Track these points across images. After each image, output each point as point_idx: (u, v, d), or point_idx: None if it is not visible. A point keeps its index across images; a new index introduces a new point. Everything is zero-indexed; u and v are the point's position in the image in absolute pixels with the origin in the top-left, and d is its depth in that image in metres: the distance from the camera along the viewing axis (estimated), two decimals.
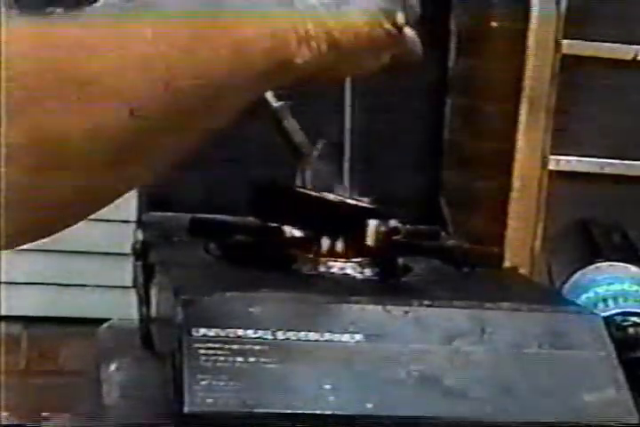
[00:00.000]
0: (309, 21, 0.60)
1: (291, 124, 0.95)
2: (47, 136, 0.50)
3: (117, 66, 0.52)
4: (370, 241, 0.92)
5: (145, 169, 0.58)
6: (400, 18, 0.67)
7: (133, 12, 0.55)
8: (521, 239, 1.73)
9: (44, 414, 2.03)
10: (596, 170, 1.78)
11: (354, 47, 0.64)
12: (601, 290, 1.14)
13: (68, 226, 0.56)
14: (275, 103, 0.93)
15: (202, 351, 0.75)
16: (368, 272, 0.92)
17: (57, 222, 0.56)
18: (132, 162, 0.56)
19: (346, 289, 0.87)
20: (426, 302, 0.82)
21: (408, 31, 0.70)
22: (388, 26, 0.66)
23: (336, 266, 0.93)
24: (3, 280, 2.00)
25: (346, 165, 1.00)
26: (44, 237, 0.56)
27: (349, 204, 0.95)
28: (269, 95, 0.93)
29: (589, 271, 1.21)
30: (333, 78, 0.74)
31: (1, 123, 0.49)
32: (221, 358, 0.75)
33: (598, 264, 1.23)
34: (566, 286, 1.21)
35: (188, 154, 0.59)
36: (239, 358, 0.75)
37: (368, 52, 0.68)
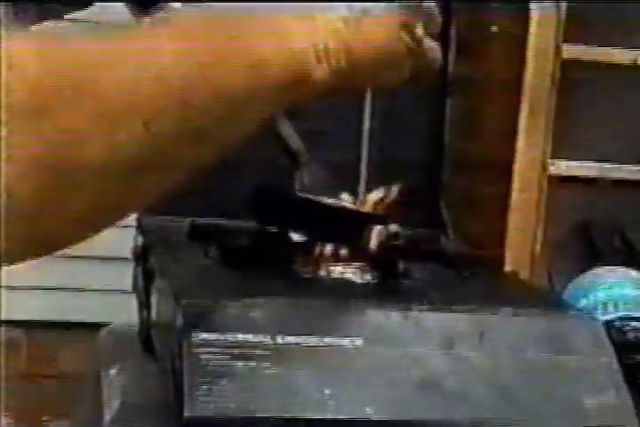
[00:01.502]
0: (329, 37, 0.60)
1: (286, 129, 0.95)
2: (62, 153, 0.50)
3: (134, 81, 0.52)
4: (370, 245, 0.92)
5: (159, 184, 0.58)
6: (419, 31, 0.67)
7: (152, 27, 0.55)
8: (521, 243, 1.73)
9: (44, 418, 2.02)
10: (596, 174, 1.78)
11: (373, 62, 0.64)
12: (601, 294, 1.14)
13: (82, 240, 0.56)
14: None
15: (202, 356, 0.75)
16: (368, 276, 0.92)
17: (71, 237, 0.55)
18: (147, 177, 0.55)
19: (346, 293, 0.87)
20: (426, 307, 0.83)
21: (428, 42, 0.70)
22: (407, 39, 0.66)
23: (336, 270, 0.93)
24: (3, 285, 2.00)
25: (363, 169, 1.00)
26: (57, 251, 0.55)
27: (349, 209, 0.95)
28: None
29: (589, 275, 1.21)
30: (352, 92, 0.73)
31: (1, 124, 0.49)
32: (221, 363, 0.75)
33: (598, 268, 1.23)
34: (566, 290, 1.21)
35: (204, 167, 0.59)
36: (239, 363, 0.75)
37: (388, 66, 0.67)
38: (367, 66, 0.63)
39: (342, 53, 0.61)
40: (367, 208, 0.95)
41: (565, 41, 1.73)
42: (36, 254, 0.54)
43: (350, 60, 0.61)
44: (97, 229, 0.56)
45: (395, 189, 0.95)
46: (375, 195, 0.96)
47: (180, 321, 0.77)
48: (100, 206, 0.54)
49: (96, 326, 1.25)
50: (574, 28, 1.73)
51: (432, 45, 0.71)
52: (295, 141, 0.96)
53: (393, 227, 0.93)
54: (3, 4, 0.63)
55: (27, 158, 0.48)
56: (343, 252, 0.94)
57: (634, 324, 1.06)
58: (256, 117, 0.60)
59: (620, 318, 1.08)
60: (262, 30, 0.58)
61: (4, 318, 1.99)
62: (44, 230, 0.52)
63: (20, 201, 0.49)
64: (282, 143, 0.96)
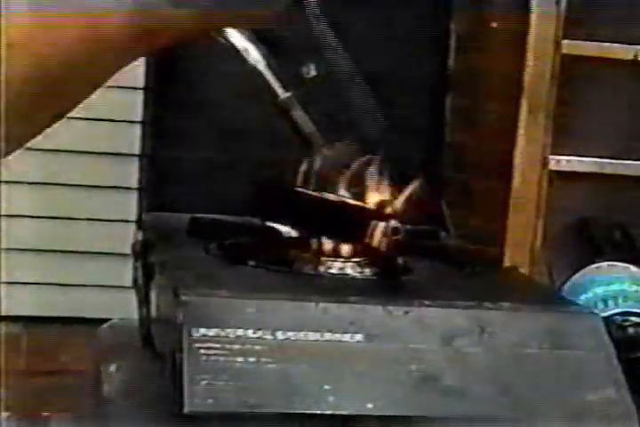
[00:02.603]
0: None
1: (299, 114, 0.95)
2: None
3: None
4: (370, 241, 0.92)
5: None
6: None
7: None
8: (521, 239, 1.73)
9: (44, 413, 2.03)
10: (596, 170, 1.78)
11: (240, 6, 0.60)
12: (601, 290, 1.14)
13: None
14: (282, 94, 0.93)
15: (202, 351, 0.75)
16: (368, 272, 0.92)
17: None
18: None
19: (346, 289, 0.87)
20: (426, 302, 0.83)
21: None
22: None
23: (336, 266, 0.93)
24: (3, 280, 2.00)
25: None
26: None
27: (349, 204, 0.95)
28: (277, 86, 0.92)
29: (589, 271, 1.21)
30: (222, 27, 0.71)
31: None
32: (221, 358, 0.75)
33: (598, 264, 1.23)
34: (566, 285, 1.21)
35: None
36: (239, 358, 0.75)
37: (256, 7, 0.62)
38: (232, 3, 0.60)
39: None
40: (398, 204, 0.94)
41: (565, 37, 1.73)
42: None
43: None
44: None
45: (416, 185, 0.94)
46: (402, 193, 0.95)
47: (179, 317, 0.77)
48: None
49: (96, 322, 1.25)
50: (574, 23, 1.73)
51: None
52: (309, 126, 0.96)
53: (393, 223, 0.93)
54: None
55: None
56: (343, 247, 0.94)
57: (634, 319, 1.06)
58: (102, 76, 0.59)
59: (620, 314, 1.08)
60: None
61: (3, 313, 1.99)
62: None
63: None
64: (295, 129, 0.96)
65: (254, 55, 0.90)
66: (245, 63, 0.90)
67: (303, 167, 0.97)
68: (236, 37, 0.87)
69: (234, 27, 0.78)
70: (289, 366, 0.76)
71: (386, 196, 0.95)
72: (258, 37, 0.89)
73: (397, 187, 0.96)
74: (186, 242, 1.04)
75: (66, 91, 0.57)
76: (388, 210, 0.93)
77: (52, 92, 0.55)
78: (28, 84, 0.54)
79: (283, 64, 0.91)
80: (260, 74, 0.90)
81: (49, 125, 0.58)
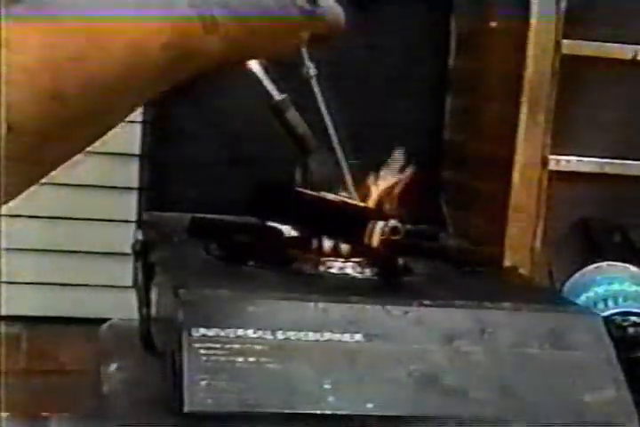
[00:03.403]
0: (215, 7, 0.57)
1: (293, 116, 0.95)
2: None
3: None
4: (370, 241, 0.92)
5: (28, 182, 0.56)
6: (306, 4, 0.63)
7: (19, 18, 0.51)
8: (521, 239, 1.73)
9: (44, 413, 2.03)
10: (596, 170, 1.78)
11: (266, 29, 0.61)
12: (601, 290, 1.14)
13: None
14: (277, 96, 0.93)
15: (202, 351, 0.75)
16: (368, 272, 0.92)
17: None
18: (15, 173, 0.54)
19: (346, 289, 0.88)
20: (426, 302, 0.83)
21: (328, 4, 0.66)
22: (301, 3, 0.62)
23: (336, 266, 0.93)
24: (3, 280, 2.00)
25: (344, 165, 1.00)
26: None
27: (349, 204, 0.95)
28: (272, 88, 0.92)
29: (589, 271, 1.21)
30: (248, 59, 0.71)
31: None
32: (221, 358, 0.75)
33: (598, 264, 1.23)
34: (566, 285, 1.21)
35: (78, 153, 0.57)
36: (239, 358, 0.75)
37: (283, 33, 0.63)
38: (261, 33, 0.60)
39: (232, 22, 0.58)
40: (380, 192, 0.94)
41: (565, 37, 1.73)
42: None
43: (241, 28, 0.58)
44: None
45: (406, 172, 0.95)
46: (387, 179, 0.95)
47: (180, 316, 0.77)
48: None
49: (96, 322, 1.25)
50: (574, 23, 1.72)
51: (332, 6, 0.66)
52: (303, 129, 0.96)
53: (393, 223, 0.93)
54: None
55: None
56: (343, 247, 0.94)
57: (634, 319, 1.06)
58: (140, 98, 0.58)
59: (620, 314, 1.08)
60: (144, 8, 0.55)
61: (4, 313, 1.99)
62: None
63: None
64: (289, 131, 0.96)
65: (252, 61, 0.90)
66: (243, 69, 0.91)
67: (299, 171, 0.97)
68: None
69: (257, 57, 0.79)
70: (289, 365, 0.76)
71: (383, 193, 0.95)
72: None
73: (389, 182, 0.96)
74: (186, 242, 1.04)
75: (106, 109, 0.55)
76: (388, 209, 0.94)
77: (93, 110, 0.54)
78: (80, 97, 0.52)
79: (278, 65, 0.92)
80: (255, 75, 0.90)
81: (84, 147, 0.56)
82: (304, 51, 0.91)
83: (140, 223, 1.17)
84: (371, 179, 0.98)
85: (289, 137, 0.95)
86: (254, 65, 0.89)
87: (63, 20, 0.52)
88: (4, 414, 1.96)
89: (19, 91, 0.50)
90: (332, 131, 0.98)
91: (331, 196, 0.95)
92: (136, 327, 1.03)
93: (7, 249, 1.99)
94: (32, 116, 0.51)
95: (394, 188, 0.96)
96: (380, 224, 0.92)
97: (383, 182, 0.97)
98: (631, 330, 1.04)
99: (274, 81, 0.92)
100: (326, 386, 0.75)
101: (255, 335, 0.76)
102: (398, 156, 0.98)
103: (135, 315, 1.04)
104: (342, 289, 0.87)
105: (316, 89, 0.96)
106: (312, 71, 0.95)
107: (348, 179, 0.97)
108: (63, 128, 0.53)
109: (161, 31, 0.55)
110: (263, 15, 0.60)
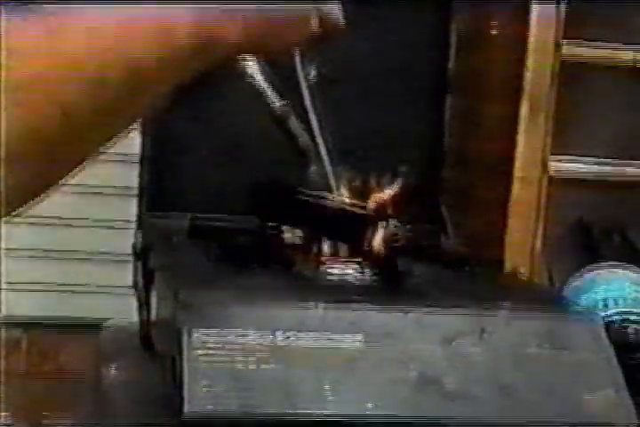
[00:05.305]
0: None
1: (293, 123, 0.95)
2: None
3: (48, 68, 0.51)
4: (370, 243, 0.92)
5: (71, 161, 0.58)
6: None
7: (65, 6, 0.54)
8: (521, 241, 1.73)
9: (44, 415, 2.03)
10: (596, 171, 1.78)
11: (281, 17, 0.64)
12: (600, 292, 1.14)
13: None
14: (277, 103, 0.93)
15: (201, 353, 0.75)
16: (368, 274, 0.92)
17: None
18: (62, 159, 0.56)
19: (346, 291, 0.88)
20: (426, 304, 0.83)
21: (329, 3, 0.69)
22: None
23: (336, 268, 0.93)
24: (3, 283, 2.00)
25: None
26: None
27: (349, 206, 0.95)
28: (272, 95, 0.92)
29: (589, 273, 1.21)
30: (260, 49, 0.73)
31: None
32: (221, 360, 0.75)
33: (598, 266, 1.23)
34: (566, 287, 1.21)
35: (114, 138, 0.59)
36: (239, 360, 0.75)
37: (296, 21, 0.66)
38: (277, 22, 0.63)
39: (253, 13, 0.61)
40: (380, 194, 0.95)
41: (565, 39, 1.73)
42: None
43: (260, 19, 0.61)
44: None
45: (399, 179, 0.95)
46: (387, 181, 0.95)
47: (179, 319, 0.77)
48: (25, 185, 0.55)
49: (96, 325, 1.25)
50: (574, 26, 1.72)
51: (332, 5, 0.70)
52: (302, 136, 0.96)
53: (393, 226, 0.93)
54: None
55: None
56: (343, 250, 0.94)
57: (633, 320, 1.06)
58: (166, 86, 0.59)
59: (620, 316, 1.08)
60: None
61: (3, 315, 1.99)
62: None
63: None
64: (290, 140, 0.96)
65: (251, 63, 0.91)
66: (243, 72, 0.91)
67: (299, 172, 0.97)
68: None
69: (269, 48, 0.80)
70: (289, 367, 0.76)
71: (382, 195, 0.95)
72: None
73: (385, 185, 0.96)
74: (186, 243, 1.04)
75: (140, 97, 0.57)
76: (387, 211, 0.94)
77: (129, 97, 0.56)
78: (122, 84, 0.54)
79: (279, 72, 0.92)
80: (256, 82, 0.91)
81: (113, 135, 0.58)
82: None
83: (140, 224, 1.17)
84: (371, 181, 0.98)
85: (290, 142, 0.95)
86: (255, 72, 0.89)
87: (100, 9, 0.55)
88: (4, 415, 1.96)
89: (66, 77, 0.52)
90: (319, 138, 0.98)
91: (331, 198, 0.95)
92: (136, 330, 1.03)
93: (7, 251, 1.99)
94: (80, 100, 0.53)
95: (394, 190, 0.96)
96: (380, 226, 0.92)
97: (383, 184, 0.97)
98: (631, 331, 1.05)
99: (274, 88, 0.92)
100: (326, 387, 0.75)
101: (255, 338, 0.76)
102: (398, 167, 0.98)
103: (135, 317, 1.04)
104: (342, 291, 0.87)
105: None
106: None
107: (348, 181, 0.97)
108: (106, 110, 0.55)
109: (187, 17, 0.57)
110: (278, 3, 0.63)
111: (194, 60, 0.59)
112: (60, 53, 0.52)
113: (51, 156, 0.54)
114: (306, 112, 0.96)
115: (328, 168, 0.98)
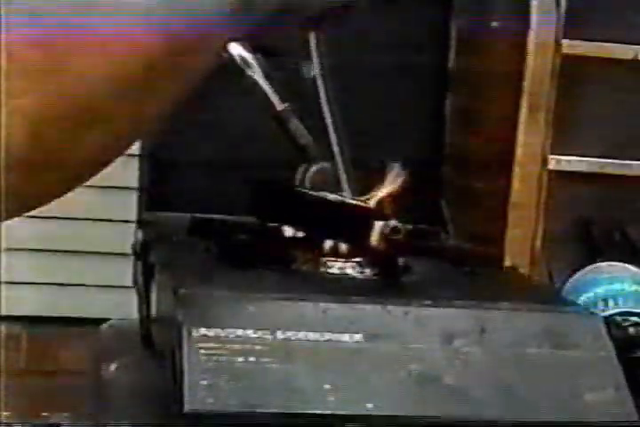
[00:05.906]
0: None
1: (296, 126, 0.95)
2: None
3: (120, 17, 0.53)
4: (370, 241, 0.92)
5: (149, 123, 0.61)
6: None
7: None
8: (521, 239, 1.73)
9: (44, 413, 2.03)
10: (596, 170, 1.78)
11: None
12: (601, 290, 1.15)
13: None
14: (279, 105, 0.93)
15: (202, 351, 0.75)
16: (368, 272, 0.92)
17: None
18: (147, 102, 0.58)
19: (346, 289, 0.88)
20: (426, 302, 0.83)
21: None
22: None
23: (336, 266, 0.93)
24: (3, 280, 2.00)
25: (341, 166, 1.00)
26: None
27: (349, 204, 0.95)
28: (274, 98, 0.92)
29: (589, 271, 1.21)
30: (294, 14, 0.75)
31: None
32: (222, 358, 0.75)
33: (598, 264, 1.23)
34: (566, 285, 1.21)
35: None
36: (239, 358, 0.75)
37: None
38: None
39: None
40: (380, 192, 0.95)
41: (565, 36, 1.73)
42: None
43: None
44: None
45: (400, 176, 0.95)
46: (383, 187, 0.95)
47: (179, 316, 0.77)
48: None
49: (96, 322, 1.25)
50: (574, 23, 1.72)
51: None
52: (304, 136, 0.96)
53: (393, 222, 0.93)
54: None
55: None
56: (343, 247, 0.94)
57: (634, 319, 1.06)
58: (209, 61, 0.62)
59: (620, 314, 1.08)
60: None
61: (3, 313, 1.99)
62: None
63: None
64: (290, 138, 0.96)
65: (252, 65, 0.90)
66: (244, 73, 0.91)
67: (299, 172, 0.97)
68: (234, 47, 0.87)
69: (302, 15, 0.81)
70: (289, 365, 0.76)
71: (382, 194, 0.95)
72: (255, 47, 0.89)
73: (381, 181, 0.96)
74: (186, 242, 1.04)
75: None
76: (388, 209, 0.94)
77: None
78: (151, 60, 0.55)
79: (280, 74, 0.92)
80: (257, 84, 0.91)
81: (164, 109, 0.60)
82: (311, 49, 0.91)
83: (140, 223, 1.17)
84: (371, 179, 0.98)
85: (292, 145, 0.95)
86: (257, 74, 0.89)
87: None
88: (4, 414, 1.96)
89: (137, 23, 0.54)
90: (332, 135, 0.98)
91: (331, 196, 0.95)
92: (136, 327, 1.03)
93: (7, 249, 1.99)
94: (149, 49, 0.55)
95: (394, 188, 0.96)
96: (380, 224, 0.92)
97: (383, 183, 0.97)
98: (631, 330, 1.05)
99: (276, 89, 0.92)
100: (326, 386, 0.75)
101: (255, 335, 0.76)
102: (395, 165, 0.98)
103: (135, 315, 1.04)
104: (342, 289, 0.87)
105: (319, 89, 0.97)
106: (313, 72, 0.95)
107: (348, 179, 0.97)
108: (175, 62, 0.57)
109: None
110: None
111: (235, 20, 0.62)
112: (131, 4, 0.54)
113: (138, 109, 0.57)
114: (320, 112, 0.96)
115: (339, 167, 0.97)
